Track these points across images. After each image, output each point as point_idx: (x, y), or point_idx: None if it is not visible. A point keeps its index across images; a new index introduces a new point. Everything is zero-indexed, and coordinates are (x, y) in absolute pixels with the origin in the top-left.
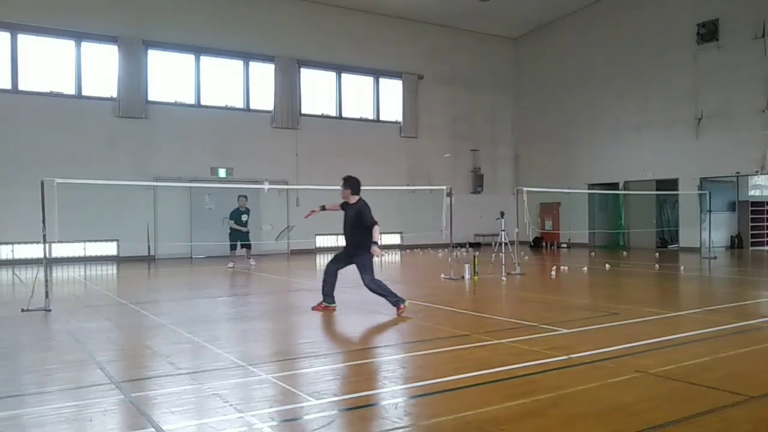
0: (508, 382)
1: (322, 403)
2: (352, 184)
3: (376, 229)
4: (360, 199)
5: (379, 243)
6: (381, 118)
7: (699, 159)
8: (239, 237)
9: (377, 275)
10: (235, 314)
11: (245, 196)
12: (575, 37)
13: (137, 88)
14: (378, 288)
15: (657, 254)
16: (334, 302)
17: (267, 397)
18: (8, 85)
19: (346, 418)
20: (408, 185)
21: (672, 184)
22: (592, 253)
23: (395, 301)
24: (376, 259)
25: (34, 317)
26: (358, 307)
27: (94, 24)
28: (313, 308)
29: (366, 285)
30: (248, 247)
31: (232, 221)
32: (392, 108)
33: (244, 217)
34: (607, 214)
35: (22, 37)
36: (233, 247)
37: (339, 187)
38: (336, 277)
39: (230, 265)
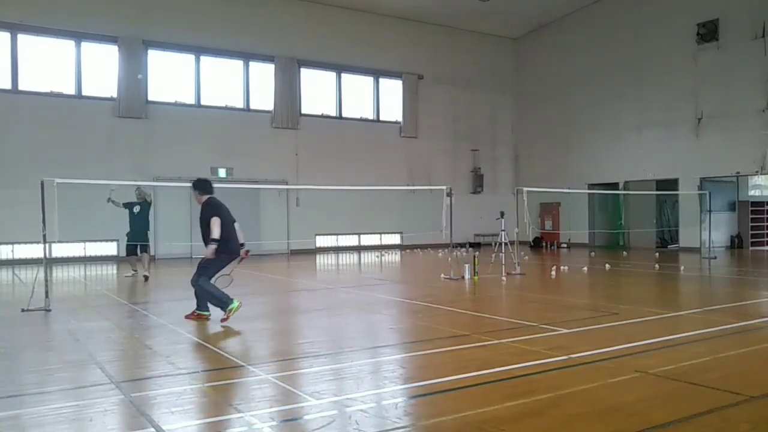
0: (508, 382)
1: (322, 403)
2: (199, 185)
3: (214, 222)
4: (208, 198)
5: (216, 238)
6: (381, 118)
7: (699, 159)
8: (133, 237)
9: (381, 275)
10: (235, 314)
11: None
12: (575, 37)
13: (137, 88)
14: (200, 291)
15: (657, 254)
16: (207, 310)
17: (267, 397)
18: (8, 85)
19: (346, 418)
20: (408, 185)
21: (672, 184)
22: (592, 253)
23: (205, 306)
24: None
25: (34, 317)
26: (357, 308)
27: (94, 24)
28: (186, 316)
29: (191, 282)
30: (145, 249)
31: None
32: (392, 108)
33: (136, 209)
34: (607, 214)
35: (22, 37)
36: (132, 251)
37: (339, 188)
38: (210, 284)
39: (129, 273)
